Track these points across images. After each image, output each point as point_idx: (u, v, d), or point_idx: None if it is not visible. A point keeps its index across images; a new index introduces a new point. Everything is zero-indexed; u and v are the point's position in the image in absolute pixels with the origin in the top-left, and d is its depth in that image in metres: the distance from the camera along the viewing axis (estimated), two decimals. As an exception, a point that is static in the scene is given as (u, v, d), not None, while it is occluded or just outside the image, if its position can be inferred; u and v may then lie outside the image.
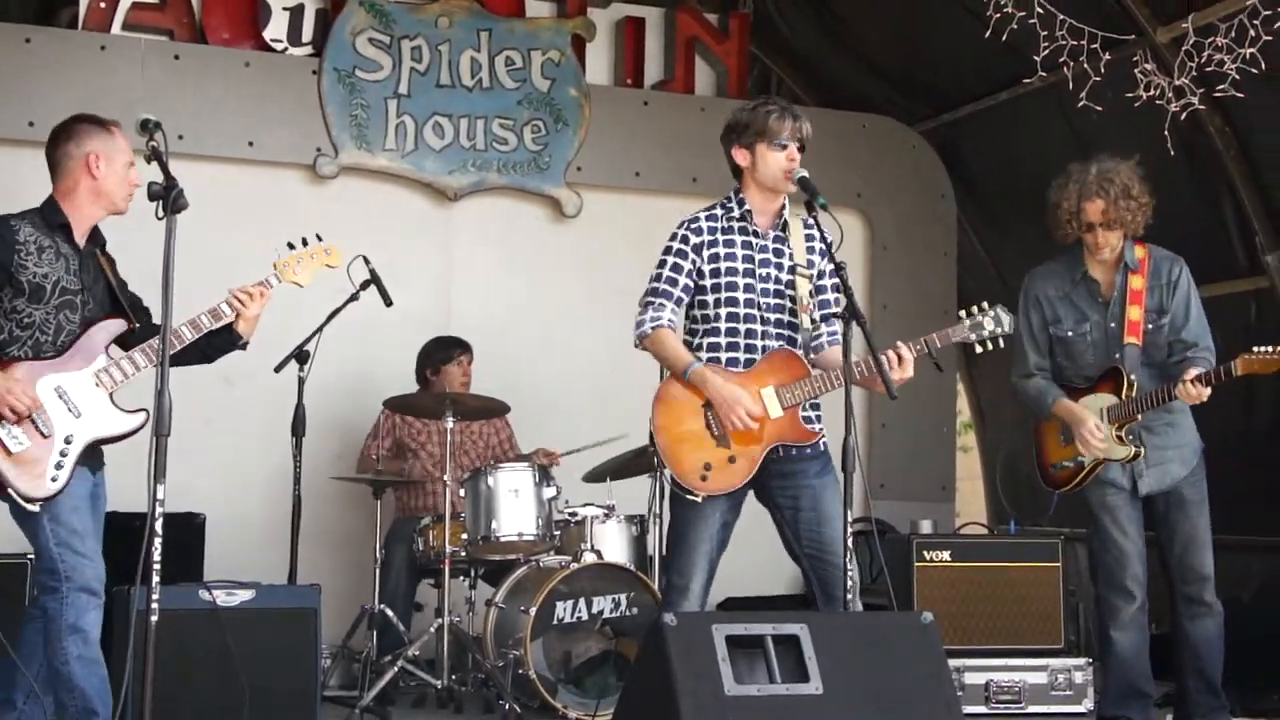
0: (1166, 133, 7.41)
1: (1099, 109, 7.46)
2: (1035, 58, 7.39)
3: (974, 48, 7.80)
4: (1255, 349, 5.74)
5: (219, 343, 5.41)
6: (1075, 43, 7.35)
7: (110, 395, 5.15)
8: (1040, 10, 7.26)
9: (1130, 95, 7.42)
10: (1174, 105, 7.37)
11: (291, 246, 5.72)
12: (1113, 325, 6.04)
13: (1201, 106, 7.45)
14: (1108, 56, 7.43)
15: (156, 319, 4.86)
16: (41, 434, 5.00)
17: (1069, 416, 6.03)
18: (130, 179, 5.31)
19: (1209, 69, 7.20)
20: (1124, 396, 5.92)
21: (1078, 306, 6.11)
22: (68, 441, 5.04)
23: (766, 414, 5.25)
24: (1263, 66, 6.95)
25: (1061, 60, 7.43)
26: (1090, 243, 6.07)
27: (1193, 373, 5.74)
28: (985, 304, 5.41)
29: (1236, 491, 8.36)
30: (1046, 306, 6.16)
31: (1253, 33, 6.90)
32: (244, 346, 5.54)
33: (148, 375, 5.00)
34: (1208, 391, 5.74)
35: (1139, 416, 5.92)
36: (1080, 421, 5.96)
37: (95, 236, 5.37)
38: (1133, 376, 5.94)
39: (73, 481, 5.04)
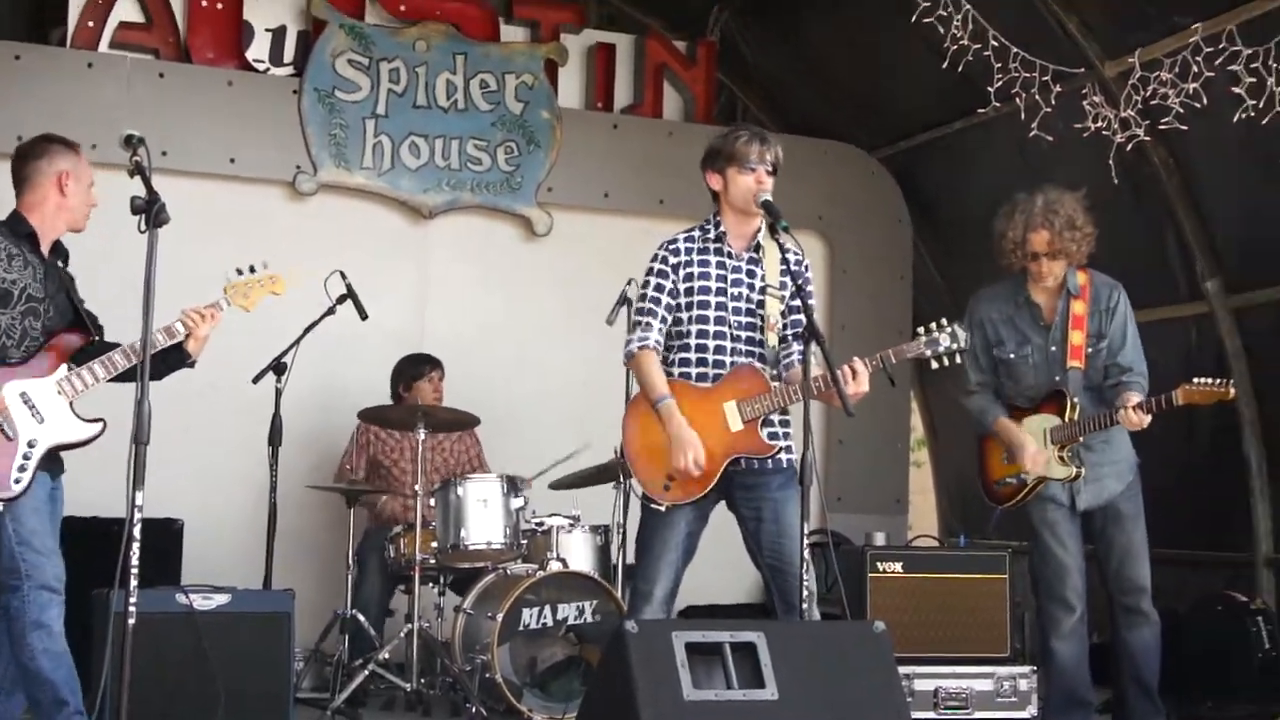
0: (1111, 162, 7.47)
1: (1049, 139, 7.52)
2: (989, 89, 7.45)
3: (931, 78, 7.83)
4: (1195, 380, 5.79)
5: (171, 360, 5.38)
6: (1027, 75, 7.41)
7: (70, 403, 5.16)
8: (994, 43, 7.31)
9: (1079, 126, 7.48)
10: (1120, 136, 7.43)
11: (240, 272, 5.68)
12: (1054, 349, 6.07)
13: (1146, 138, 7.52)
14: (1058, 89, 7.48)
15: (131, 331, 4.86)
16: (6, 436, 5.01)
17: (1009, 437, 6.08)
18: (90, 199, 5.40)
19: (1154, 102, 7.26)
20: (1067, 419, 5.96)
21: (1020, 330, 6.14)
22: (30, 445, 5.05)
23: (728, 429, 5.28)
24: (1204, 101, 7.01)
25: (1014, 91, 7.48)
26: (1035, 271, 6.10)
27: (1134, 399, 5.80)
28: (943, 321, 5.44)
29: (1175, 509, 8.42)
30: (990, 329, 6.18)
31: (1195, 69, 6.96)
32: (192, 365, 5.52)
33: (121, 387, 5.01)
34: (1148, 419, 5.78)
35: (1080, 439, 5.95)
36: (1020, 446, 6.00)
37: (58, 249, 5.40)
38: (1076, 400, 5.98)
39: (34, 485, 5.05)
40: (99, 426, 5.20)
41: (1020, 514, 6.19)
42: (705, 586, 7.14)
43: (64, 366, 5.20)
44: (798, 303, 5.36)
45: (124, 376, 5.13)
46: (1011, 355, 6.11)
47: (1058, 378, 6.04)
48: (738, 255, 5.45)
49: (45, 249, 5.33)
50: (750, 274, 5.45)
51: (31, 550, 5.08)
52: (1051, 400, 6.04)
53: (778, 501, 5.31)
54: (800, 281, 5.24)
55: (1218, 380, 5.80)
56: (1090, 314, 6.07)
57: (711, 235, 5.46)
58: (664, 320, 5.41)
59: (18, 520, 5.05)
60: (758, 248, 5.48)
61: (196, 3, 8.37)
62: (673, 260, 5.43)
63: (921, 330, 5.41)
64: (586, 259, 8.74)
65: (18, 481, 5.00)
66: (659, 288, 5.42)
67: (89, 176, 5.42)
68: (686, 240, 5.48)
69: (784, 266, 5.42)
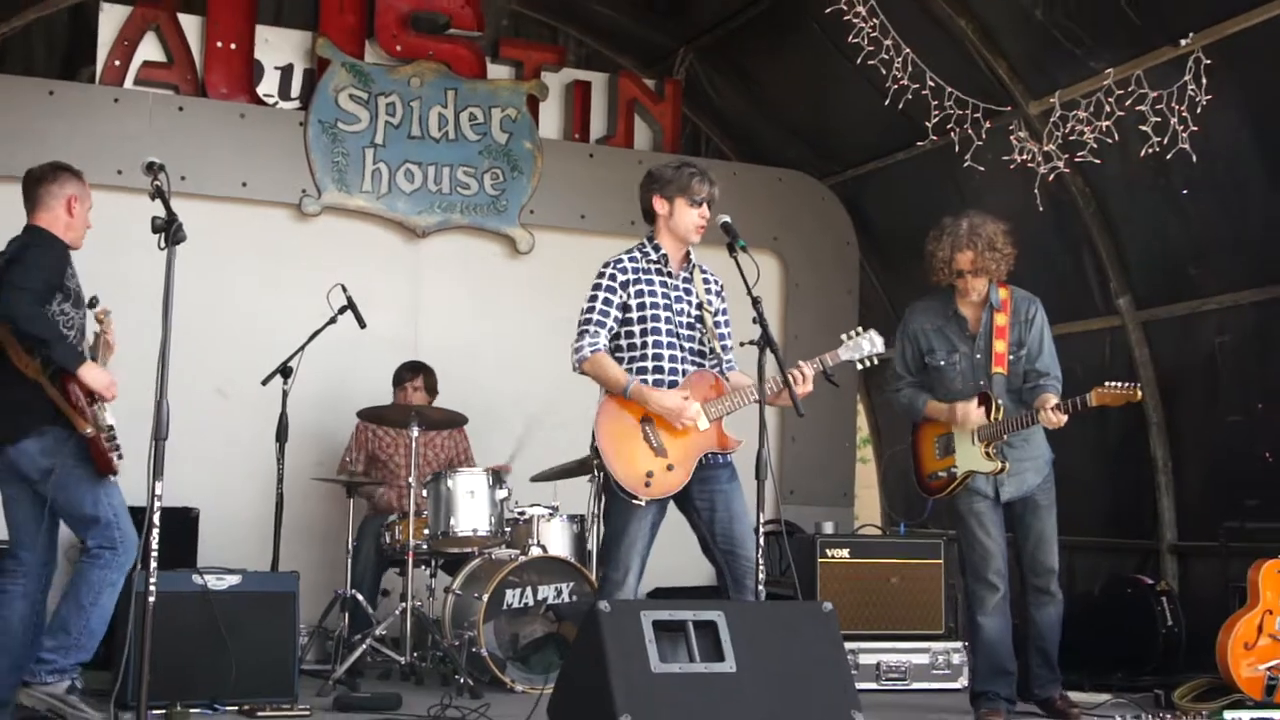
0: (1036, 191, 7.51)
1: (981, 169, 7.56)
2: (927, 124, 7.49)
3: (875, 114, 7.85)
4: (1107, 384, 5.83)
5: None
6: (960, 112, 7.45)
7: None
8: (931, 84, 7.35)
9: (1007, 158, 7.52)
10: (1043, 168, 7.47)
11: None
12: (979, 357, 6.11)
13: (1066, 170, 7.57)
14: (988, 124, 7.53)
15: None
16: (105, 419, 5.22)
17: (940, 413, 6.11)
18: (89, 222, 5.50)
19: (1072, 138, 7.31)
20: (992, 419, 5.99)
21: (949, 339, 6.18)
22: (110, 427, 5.28)
23: (696, 429, 5.28)
24: (1116, 137, 7.07)
25: (949, 127, 7.52)
26: (960, 287, 6.14)
27: (1052, 401, 5.83)
28: (860, 328, 5.50)
29: (1091, 501, 8.49)
30: (922, 339, 6.22)
31: (1108, 108, 7.04)
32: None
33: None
34: (1065, 419, 5.82)
35: (1005, 437, 5.99)
36: (952, 411, 6.04)
37: None
38: (1000, 402, 6.01)
39: None
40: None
41: (950, 505, 6.21)
42: (670, 570, 7.13)
43: None
44: (720, 318, 5.50)
45: None
46: (941, 362, 6.14)
47: (982, 382, 6.07)
48: (676, 275, 5.50)
49: None
50: (688, 291, 5.49)
51: (126, 519, 5.31)
52: (979, 403, 6.05)
53: (727, 493, 5.35)
54: (755, 297, 5.22)
55: (1126, 384, 5.84)
56: (1011, 325, 6.12)
57: (653, 257, 5.49)
58: (610, 330, 5.41)
59: (116, 492, 5.32)
60: (690, 268, 5.54)
61: (213, 44, 8.35)
62: (621, 278, 5.43)
63: (845, 336, 5.47)
64: (565, 274, 8.70)
65: (121, 458, 5.27)
66: (607, 301, 5.41)
67: (89, 201, 5.49)
68: (631, 260, 5.49)
69: (707, 285, 5.53)
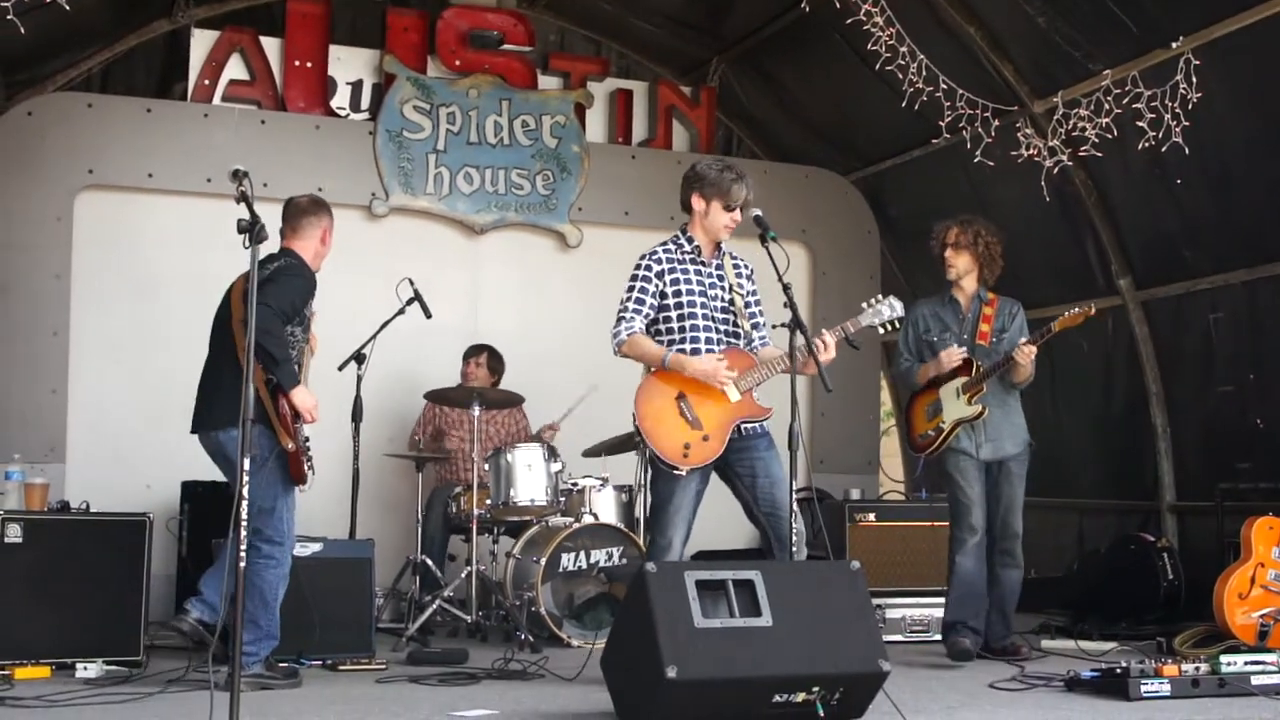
0: (1043, 183, 7.47)
1: (991, 164, 7.52)
2: (941, 123, 7.45)
3: (893, 115, 7.82)
4: (1065, 312, 6.07)
5: None
6: (971, 112, 7.41)
7: None
8: (944, 86, 7.32)
9: (1015, 153, 7.48)
10: (1048, 162, 7.43)
11: None
12: (965, 336, 6.36)
13: (1069, 163, 7.52)
14: (997, 123, 7.49)
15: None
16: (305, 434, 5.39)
17: (930, 368, 6.35)
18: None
19: (1075, 134, 7.27)
20: (974, 373, 6.22)
21: (943, 320, 6.43)
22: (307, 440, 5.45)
23: (729, 400, 5.30)
24: (1115, 133, 7.02)
25: (961, 125, 7.48)
26: (946, 264, 6.39)
27: (1024, 340, 6.11)
28: (880, 295, 5.56)
29: (1097, 466, 8.45)
30: (921, 322, 6.49)
31: (1108, 106, 6.99)
32: None
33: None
34: (1034, 350, 6.07)
35: (984, 386, 6.20)
36: (939, 359, 6.29)
37: None
38: (979, 362, 6.25)
39: None
40: None
41: (939, 463, 6.43)
42: (712, 534, 7.14)
43: None
44: (751, 300, 5.55)
45: None
46: (935, 339, 6.40)
47: (967, 351, 6.28)
48: (709, 264, 5.52)
49: None
50: (720, 278, 5.51)
51: (291, 520, 5.50)
52: (962, 369, 6.28)
53: (766, 460, 5.37)
54: (785, 283, 5.21)
55: (1081, 306, 6.09)
56: (996, 316, 6.39)
57: (687, 248, 5.53)
58: (645, 317, 5.44)
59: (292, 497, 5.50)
60: (721, 255, 5.57)
61: (291, 63, 8.39)
62: (656, 269, 5.48)
63: (865, 304, 5.52)
64: (611, 266, 8.65)
65: (313, 472, 5.47)
66: (643, 290, 5.46)
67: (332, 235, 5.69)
68: (665, 251, 5.53)
69: (736, 270, 5.56)
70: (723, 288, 5.49)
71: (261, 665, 5.32)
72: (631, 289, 5.47)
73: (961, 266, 6.37)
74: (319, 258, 5.62)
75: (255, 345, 5.08)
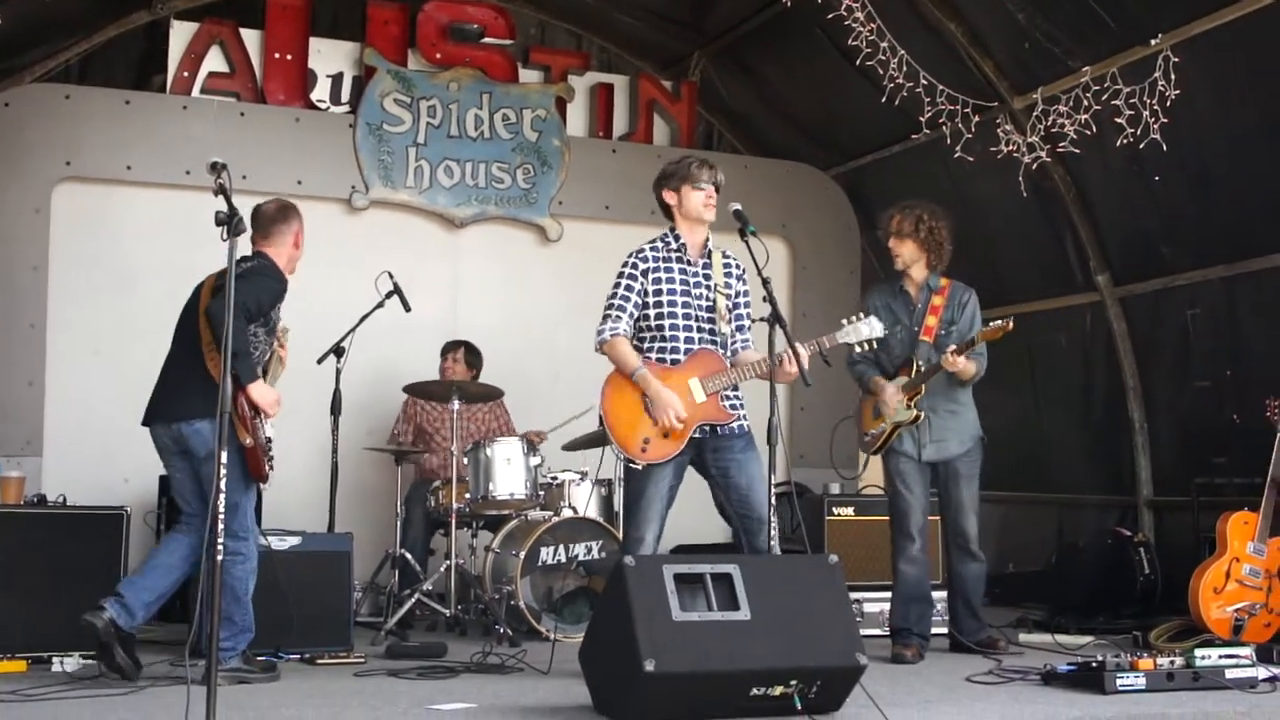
0: (1021, 179, 7.50)
1: (970, 159, 7.54)
2: (921, 118, 7.48)
3: (873, 110, 7.84)
4: (987, 325, 6.11)
5: None
6: (951, 108, 7.44)
7: None
8: (924, 82, 7.34)
9: (994, 149, 7.50)
10: (1027, 158, 7.46)
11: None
12: (915, 329, 6.30)
13: (1048, 159, 7.55)
14: (977, 119, 7.51)
15: None
16: (264, 433, 5.37)
17: (880, 392, 6.29)
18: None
19: (1054, 130, 7.30)
20: (912, 374, 6.21)
21: (894, 313, 6.34)
22: (269, 440, 5.43)
23: (694, 401, 5.30)
24: (1094, 129, 7.05)
25: (941, 121, 7.50)
26: (892, 253, 6.40)
27: (951, 348, 6.07)
28: (861, 314, 5.56)
29: (1076, 461, 8.48)
30: (873, 312, 6.24)
31: (1086, 103, 7.03)
32: None
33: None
34: (963, 360, 6.05)
35: (923, 388, 6.18)
36: (882, 390, 6.26)
37: None
38: (919, 362, 6.23)
39: None
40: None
41: (882, 463, 6.42)
42: (690, 528, 7.15)
43: None
44: (739, 300, 5.51)
45: None
46: (885, 333, 6.21)
47: (913, 349, 6.28)
48: (694, 262, 5.51)
49: None
50: (705, 277, 5.51)
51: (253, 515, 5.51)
52: (907, 366, 6.28)
53: (742, 460, 5.38)
54: (765, 278, 5.24)
55: (999, 321, 6.07)
56: (945, 306, 6.30)
57: (673, 246, 5.53)
58: (630, 315, 5.45)
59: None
60: (708, 254, 5.53)
61: (270, 55, 8.36)
62: (642, 267, 5.49)
63: (845, 320, 5.53)
64: (591, 260, 8.70)
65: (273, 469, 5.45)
66: (629, 288, 5.47)
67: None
68: (652, 250, 5.54)
69: (726, 269, 5.53)
70: (707, 287, 5.49)
71: (239, 659, 5.31)
72: (617, 287, 5.49)
73: (907, 255, 6.33)
74: (293, 261, 5.63)
75: (218, 338, 5.10)
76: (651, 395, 5.29)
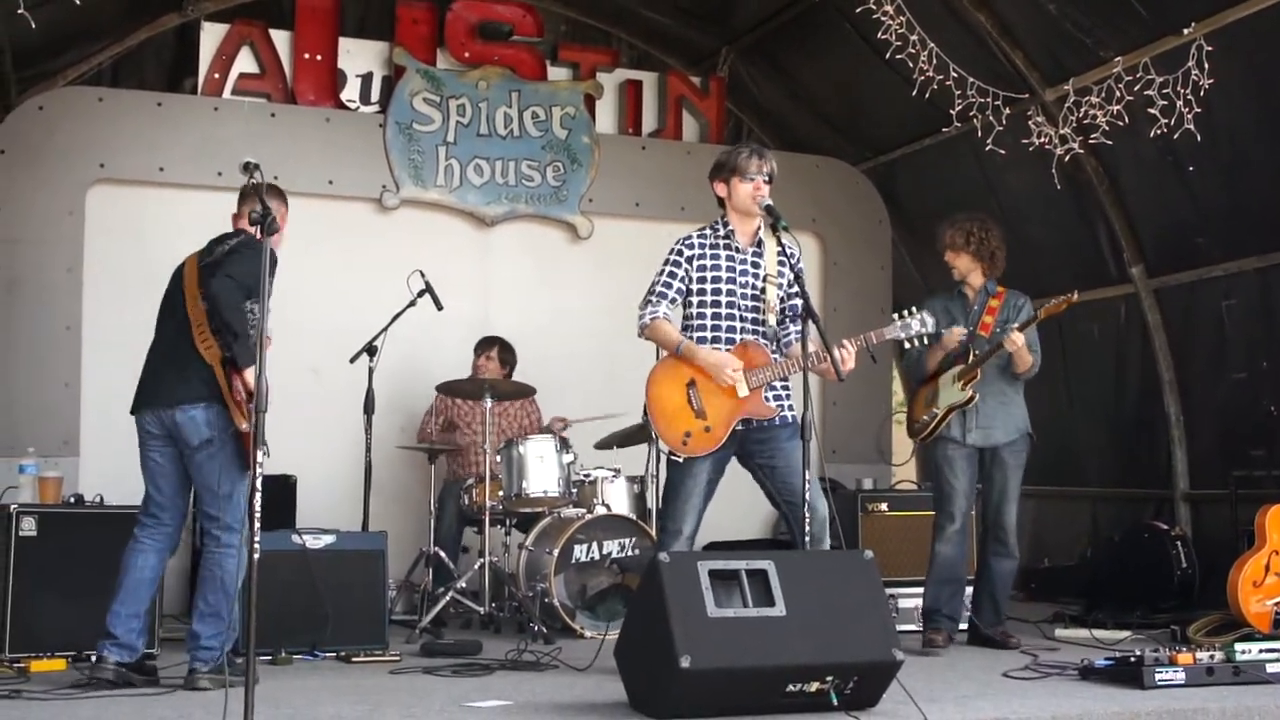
0: (1053, 171, 7.46)
1: (1002, 152, 7.50)
2: (951, 111, 7.43)
3: (904, 103, 7.79)
4: (1050, 301, 6.12)
5: None
6: (982, 100, 7.38)
7: None
8: (954, 75, 7.29)
9: (1026, 141, 7.45)
10: (1059, 150, 7.42)
11: None
12: (970, 327, 6.37)
13: (1080, 151, 7.51)
14: (1008, 111, 7.46)
15: None
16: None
17: (940, 347, 6.31)
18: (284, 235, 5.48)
19: (1086, 121, 7.25)
20: (969, 359, 6.27)
21: (951, 313, 6.43)
22: None
23: (735, 395, 5.28)
24: (1126, 120, 7.00)
25: (972, 114, 7.45)
26: (949, 266, 6.49)
27: (1014, 325, 6.16)
28: (913, 309, 5.48)
29: (1112, 456, 8.43)
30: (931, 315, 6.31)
31: (1118, 93, 6.97)
32: None
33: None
34: (1022, 337, 6.11)
35: (979, 373, 6.23)
36: (945, 340, 6.27)
37: None
38: (975, 350, 6.28)
39: None
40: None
41: (930, 451, 6.48)
42: (725, 524, 7.13)
43: None
44: (794, 289, 5.35)
45: None
46: (938, 329, 6.22)
47: (970, 343, 6.32)
48: (743, 250, 5.45)
49: None
50: (754, 265, 5.44)
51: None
52: (961, 357, 6.32)
53: (787, 450, 5.31)
54: (796, 271, 5.24)
55: (1063, 297, 6.10)
56: (1001, 308, 6.40)
57: (721, 234, 5.47)
58: (672, 301, 5.42)
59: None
60: (759, 244, 5.48)
61: (300, 56, 8.39)
62: (687, 254, 5.44)
63: (896, 316, 5.48)
64: (621, 256, 8.71)
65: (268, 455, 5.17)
66: (671, 274, 5.43)
67: (288, 217, 5.53)
68: (699, 238, 5.48)
69: (780, 258, 5.42)
70: (755, 275, 5.43)
71: (224, 657, 5.14)
72: (660, 274, 5.46)
73: (963, 267, 6.45)
74: (275, 244, 5.41)
75: (221, 320, 5.07)
76: (702, 362, 5.25)
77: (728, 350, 5.34)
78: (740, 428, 5.32)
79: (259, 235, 4.46)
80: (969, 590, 6.58)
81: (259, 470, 4.21)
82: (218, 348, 5.11)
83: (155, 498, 5.31)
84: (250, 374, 5.04)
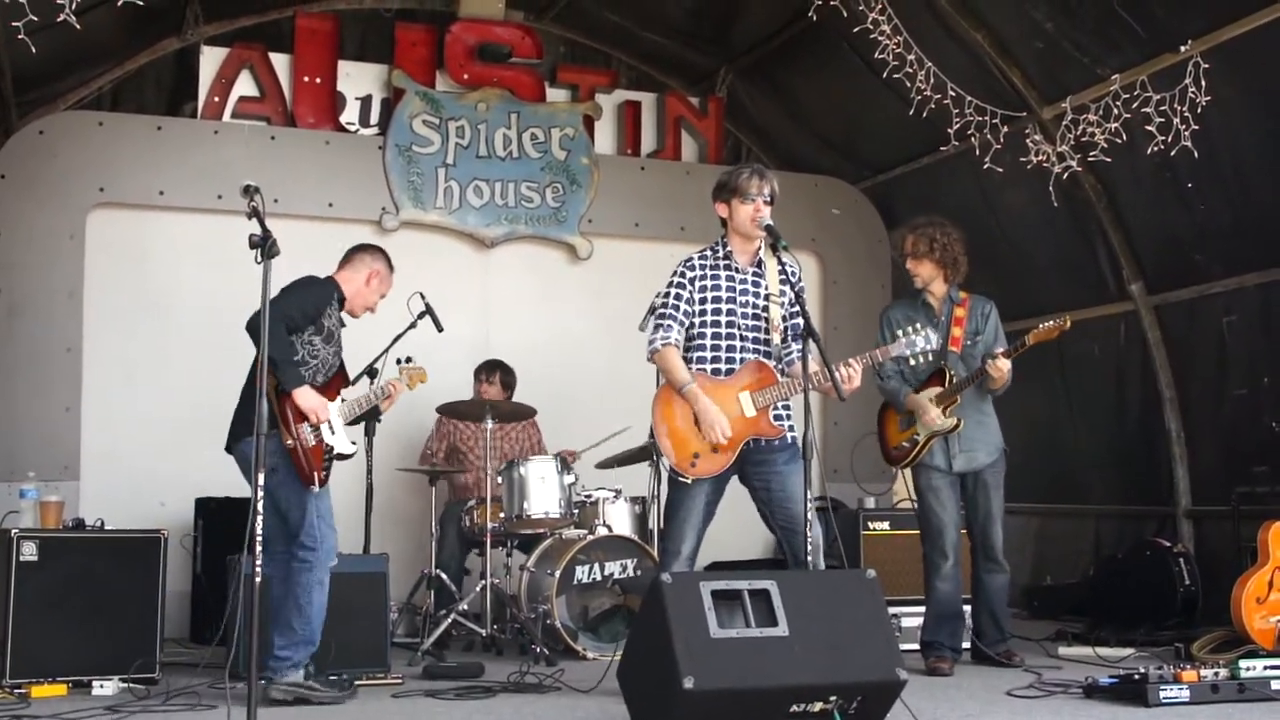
0: (1051, 189, 7.47)
1: (1000, 170, 7.50)
2: (949, 130, 7.44)
3: (902, 122, 7.80)
4: (1038, 326, 6.05)
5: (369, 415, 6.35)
6: (980, 118, 7.40)
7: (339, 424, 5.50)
8: (952, 93, 7.31)
9: (1024, 159, 7.46)
10: (1057, 167, 7.43)
11: (405, 360, 6.22)
12: (940, 339, 6.21)
13: (1078, 168, 7.51)
14: (1005, 129, 7.47)
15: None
16: (322, 439, 5.37)
17: (917, 406, 6.27)
18: (375, 302, 5.85)
19: (1083, 139, 7.26)
20: (947, 384, 6.20)
21: (915, 324, 6.17)
22: (328, 451, 5.42)
23: (744, 415, 5.26)
24: (1124, 138, 7.01)
25: (969, 132, 7.46)
26: (910, 273, 6.41)
27: (999, 351, 6.10)
28: (917, 325, 5.49)
29: (1113, 472, 8.41)
30: (895, 325, 6.24)
31: (1116, 111, 6.99)
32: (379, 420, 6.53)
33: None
34: (1008, 364, 6.05)
35: (958, 398, 6.17)
36: (924, 410, 6.22)
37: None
38: (952, 371, 6.23)
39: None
40: (356, 447, 5.66)
41: (913, 479, 6.41)
42: (727, 544, 7.12)
43: (339, 398, 5.54)
44: (796, 308, 5.35)
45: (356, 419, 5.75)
46: (941, 345, 6.23)
47: (943, 361, 6.25)
48: (743, 270, 5.46)
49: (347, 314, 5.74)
50: (755, 284, 5.45)
51: (326, 525, 5.39)
52: (934, 377, 6.28)
53: (784, 474, 5.31)
54: (796, 290, 5.24)
55: (1055, 320, 6.02)
56: (968, 318, 6.34)
57: (721, 255, 5.48)
58: (681, 324, 5.41)
59: (320, 500, 5.38)
60: (760, 263, 5.48)
61: (300, 79, 8.41)
62: (690, 275, 5.45)
63: (901, 333, 5.47)
64: (621, 277, 8.72)
65: (325, 478, 5.40)
66: (678, 297, 5.43)
67: (389, 286, 5.85)
68: (700, 259, 5.49)
69: (782, 277, 5.42)
70: (755, 294, 5.44)
71: (299, 673, 5.32)
72: (667, 297, 5.46)
73: (925, 274, 6.36)
74: (360, 296, 5.73)
75: (256, 345, 5.12)
76: (699, 412, 5.25)
77: (734, 372, 5.35)
78: (745, 447, 5.32)
79: (257, 260, 4.46)
80: (967, 612, 6.54)
81: (259, 494, 4.20)
82: (274, 376, 5.20)
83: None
84: (299, 395, 5.30)
